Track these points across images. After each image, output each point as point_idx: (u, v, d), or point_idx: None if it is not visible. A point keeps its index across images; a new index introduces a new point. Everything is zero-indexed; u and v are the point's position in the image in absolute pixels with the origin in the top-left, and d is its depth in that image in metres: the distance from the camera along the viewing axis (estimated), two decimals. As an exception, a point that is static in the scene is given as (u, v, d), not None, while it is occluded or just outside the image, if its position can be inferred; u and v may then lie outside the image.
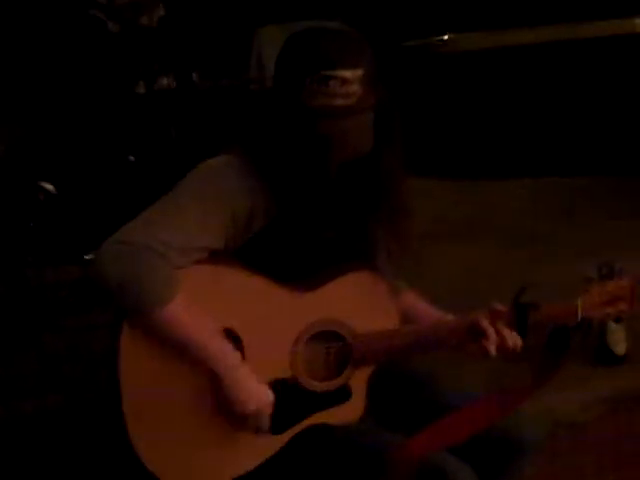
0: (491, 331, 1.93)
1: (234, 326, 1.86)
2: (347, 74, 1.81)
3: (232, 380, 1.83)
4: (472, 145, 6.08)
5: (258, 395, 1.84)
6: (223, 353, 1.83)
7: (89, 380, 2.78)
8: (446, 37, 6.27)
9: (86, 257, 3.42)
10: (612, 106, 5.68)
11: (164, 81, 4.98)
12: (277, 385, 1.89)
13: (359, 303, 1.94)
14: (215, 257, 1.87)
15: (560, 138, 5.82)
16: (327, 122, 1.81)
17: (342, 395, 1.94)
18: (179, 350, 1.82)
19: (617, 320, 2.49)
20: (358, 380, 1.95)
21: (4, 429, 2.69)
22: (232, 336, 1.87)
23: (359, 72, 1.82)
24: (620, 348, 2.70)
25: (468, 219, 4.78)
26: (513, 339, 1.94)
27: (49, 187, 3.87)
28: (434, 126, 6.04)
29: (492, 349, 1.93)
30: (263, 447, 1.90)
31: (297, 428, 1.91)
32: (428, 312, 2.13)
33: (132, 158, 4.21)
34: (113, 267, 1.76)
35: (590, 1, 5.71)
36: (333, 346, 1.93)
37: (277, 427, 1.89)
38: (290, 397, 1.90)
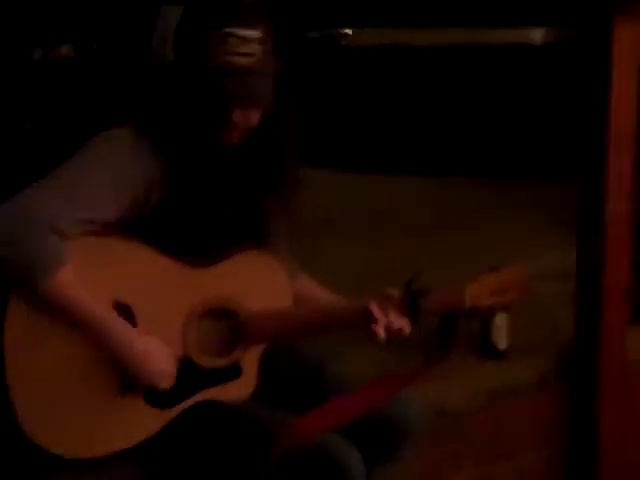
0: (380, 315, 1.96)
1: (126, 299, 1.85)
2: (247, 32, 1.83)
3: (130, 353, 1.83)
4: (370, 139, 6.14)
5: (160, 365, 1.85)
6: (116, 327, 1.82)
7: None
8: (349, 31, 6.32)
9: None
10: (507, 110, 5.81)
11: (62, 50, 4.89)
12: None
13: (253, 282, 1.95)
14: (107, 229, 1.85)
15: (457, 138, 5.93)
16: (228, 80, 1.82)
17: (233, 372, 1.94)
18: (68, 321, 1.80)
19: (505, 309, 2.56)
20: (250, 358, 1.95)
21: None
22: (124, 310, 1.85)
23: (258, 32, 1.84)
24: (502, 343, 2.77)
25: (365, 213, 4.81)
26: (400, 323, 1.97)
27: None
28: (337, 118, 6.07)
29: (381, 332, 1.96)
30: (151, 421, 1.89)
31: (187, 403, 1.91)
32: (321, 295, 2.15)
33: (28, 125, 4.13)
34: (1, 241, 1.72)
35: (489, 9, 5.85)
36: (225, 323, 1.93)
37: (166, 401, 1.89)
38: (181, 372, 1.89)
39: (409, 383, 2.00)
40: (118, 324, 1.83)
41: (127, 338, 1.83)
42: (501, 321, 2.74)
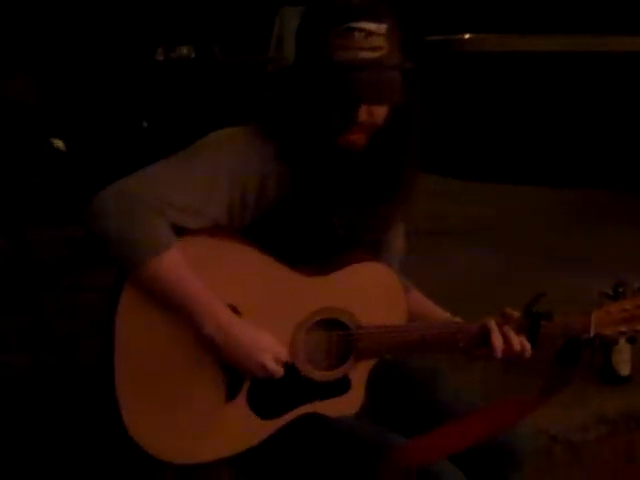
0: (498, 336, 1.87)
1: (235, 303, 1.80)
2: (371, 26, 1.77)
3: (229, 336, 1.77)
4: (483, 146, 6.08)
5: (258, 345, 1.79)
6: (216, 307, 1.77)
7: (83, 341, 2.73)
8: (467, 36, 6.26)
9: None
10: (630, 121, 5.67)
11: (183, 50, 4.96)
12: None
13: (368, 294, 1.88)
14: (221, 231, 1.81)
15: (573, 149, 5.82)
16: (354, 75, 1.76)
17: (341, 386, 1.88)
18: (176, 307, 1.76)
19: (631, 340, 2.42)
20: (359, 373, 1.89)
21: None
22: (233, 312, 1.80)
23: (383, 26, 1.78)
24: (624, 369, 2.65)
25: (473, 221, 4.73)
26: (522, 345, 1.89)
27: (59, 144, 3.82)
28: (446, 123, 6.03)
29: (498, 354, 1.87)
30: (255, 430, 1.84)
31: (290, 415, 1.85)
32: (435, 312, 2.07)
33: (145, 123, 4.19)
34: (109, 218, 1.71)
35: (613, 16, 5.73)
36: (336, 335, 1.87)
37: (270, 411, 1.84)
38: (286, 382, 1.83)
39: (526, 413, 1.90)
40: (224, 310, 1.78)
41: (225, 321, 1.77)
42: (624, 346, 2.61)
